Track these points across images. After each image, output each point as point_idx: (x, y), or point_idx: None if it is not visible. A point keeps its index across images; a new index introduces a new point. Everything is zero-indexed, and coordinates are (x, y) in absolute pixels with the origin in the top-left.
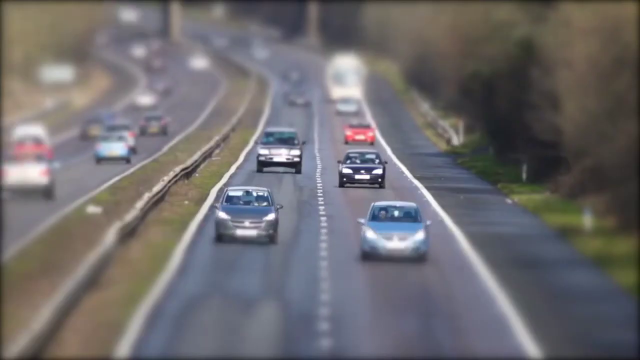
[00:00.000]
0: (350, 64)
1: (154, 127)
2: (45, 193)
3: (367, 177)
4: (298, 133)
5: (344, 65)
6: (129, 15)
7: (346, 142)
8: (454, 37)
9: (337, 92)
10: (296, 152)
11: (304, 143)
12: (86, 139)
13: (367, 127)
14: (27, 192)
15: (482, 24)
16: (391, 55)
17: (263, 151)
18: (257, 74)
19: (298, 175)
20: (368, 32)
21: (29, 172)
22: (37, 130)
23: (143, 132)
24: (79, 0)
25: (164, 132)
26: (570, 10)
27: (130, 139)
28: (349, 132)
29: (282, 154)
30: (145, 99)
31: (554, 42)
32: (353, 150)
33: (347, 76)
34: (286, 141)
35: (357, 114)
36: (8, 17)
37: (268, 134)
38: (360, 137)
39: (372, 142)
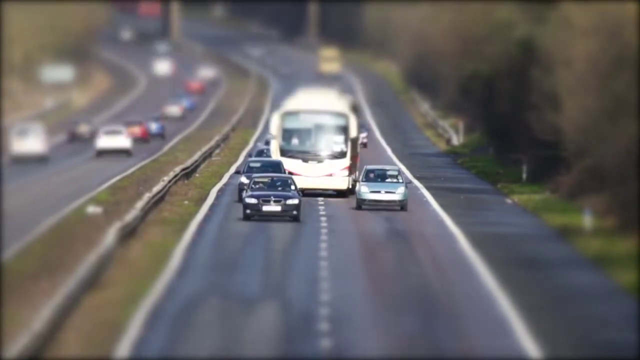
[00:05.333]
0: (326, 106)
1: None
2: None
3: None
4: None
5: (308, 109)
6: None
7: None
8: (454, 37)
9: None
10: None
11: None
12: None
13: None
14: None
15: (482, 24)
16: (391, 55)
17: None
18: (257, 74)
19: None
20: (368, 32)
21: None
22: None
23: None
24: (79, 0)
25: None
26: (570, 10)
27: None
28: None
29: None
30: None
31: (554, 42)
32: None
33: (321, 136)
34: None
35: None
36: (8, 17)
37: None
38: None
39: None
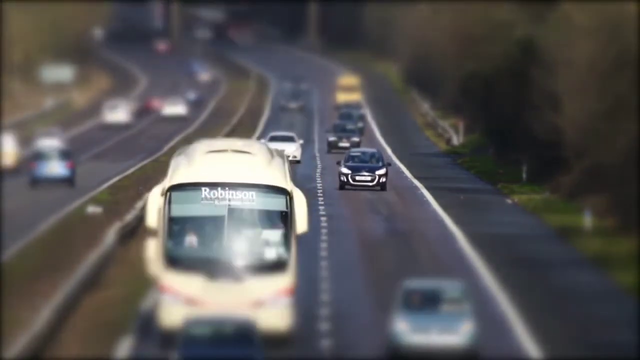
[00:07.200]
0: (250, 175)
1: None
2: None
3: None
4: None
5: (216, 181)
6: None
7: None
8: (454, 37)
9: None
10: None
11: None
12: None
13: None
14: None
15: (482, 24)
16: (391, 55)
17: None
18: (257, 74)
19: (297, 175)
20: (368, 32)
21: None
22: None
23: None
24: (79, 0)
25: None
26: (570, 10)
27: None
28: None
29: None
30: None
31: (554, 42)
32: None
33: (240, 231)
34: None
35: None
36: (8, 17)
37: None
38: None
39: None
